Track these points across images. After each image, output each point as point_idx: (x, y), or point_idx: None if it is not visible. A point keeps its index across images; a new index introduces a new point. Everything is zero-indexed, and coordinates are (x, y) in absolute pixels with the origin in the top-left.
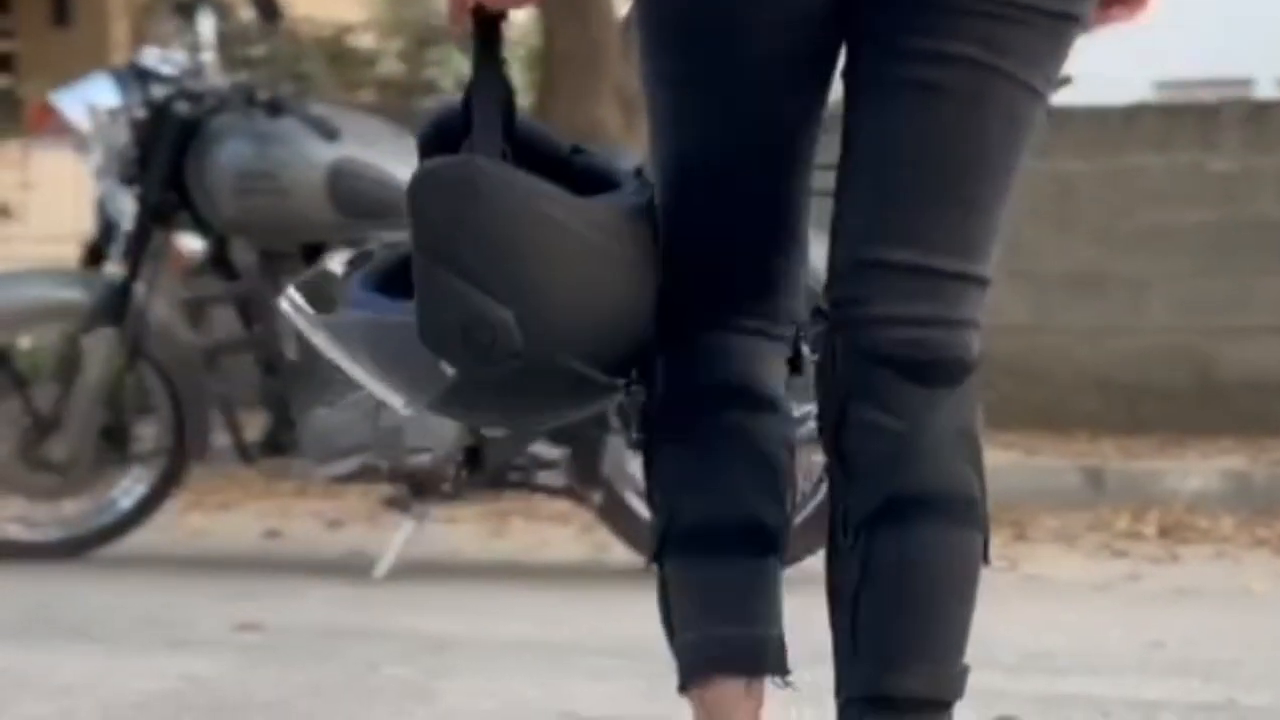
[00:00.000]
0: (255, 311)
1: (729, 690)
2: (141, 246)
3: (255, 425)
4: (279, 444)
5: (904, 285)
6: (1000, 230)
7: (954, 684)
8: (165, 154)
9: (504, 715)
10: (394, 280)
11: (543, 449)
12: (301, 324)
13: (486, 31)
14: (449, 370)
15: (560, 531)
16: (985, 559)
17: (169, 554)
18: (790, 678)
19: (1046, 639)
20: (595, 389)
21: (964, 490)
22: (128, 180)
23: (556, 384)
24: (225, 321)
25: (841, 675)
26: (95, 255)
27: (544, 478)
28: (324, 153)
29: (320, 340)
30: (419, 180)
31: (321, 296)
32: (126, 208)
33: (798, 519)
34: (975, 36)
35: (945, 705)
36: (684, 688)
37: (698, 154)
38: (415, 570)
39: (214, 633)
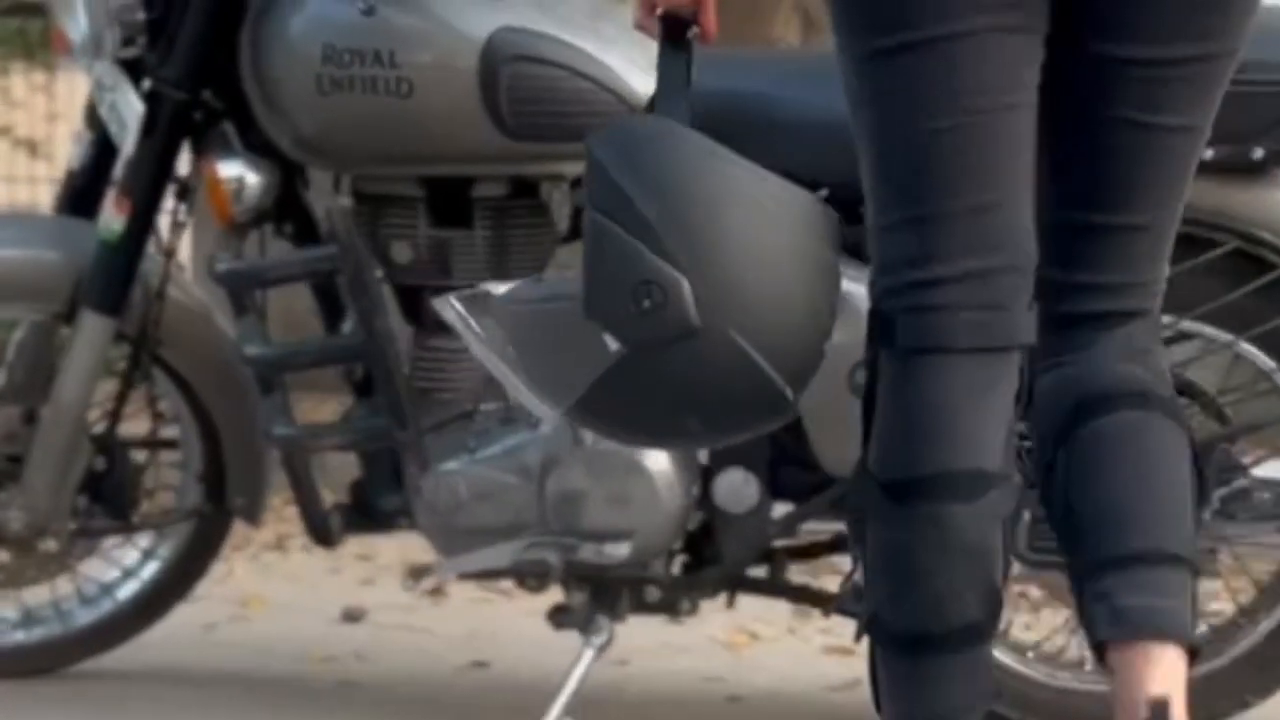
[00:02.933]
0: (347, 296)
1: None
2: (156, 180)
3: (340, 480)
4: (378, 511)
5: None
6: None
7: (1193, 545)
8: (198, 15)
9: None
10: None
11: (817, 524)
12: (459, 326)
13: (675, 35)
14: (612, 345)
15: (803, 636)
16: (1198, 471)
17: (190, 668)
18: None
19: None
20: (766, 397)
21: (1152, 386)
22: (131, 65)
23: (727, 377)
24: (293, 310)
25: (1074, 568)
26: (82, 194)
27: (802, 575)
28: (478, 20)
29: (478, 344)
30: (596, 133)
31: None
32: (131, 113)
33: (1226, 659)
34: (1132, 100)
35: (1188, 563)
36: None
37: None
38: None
39: None
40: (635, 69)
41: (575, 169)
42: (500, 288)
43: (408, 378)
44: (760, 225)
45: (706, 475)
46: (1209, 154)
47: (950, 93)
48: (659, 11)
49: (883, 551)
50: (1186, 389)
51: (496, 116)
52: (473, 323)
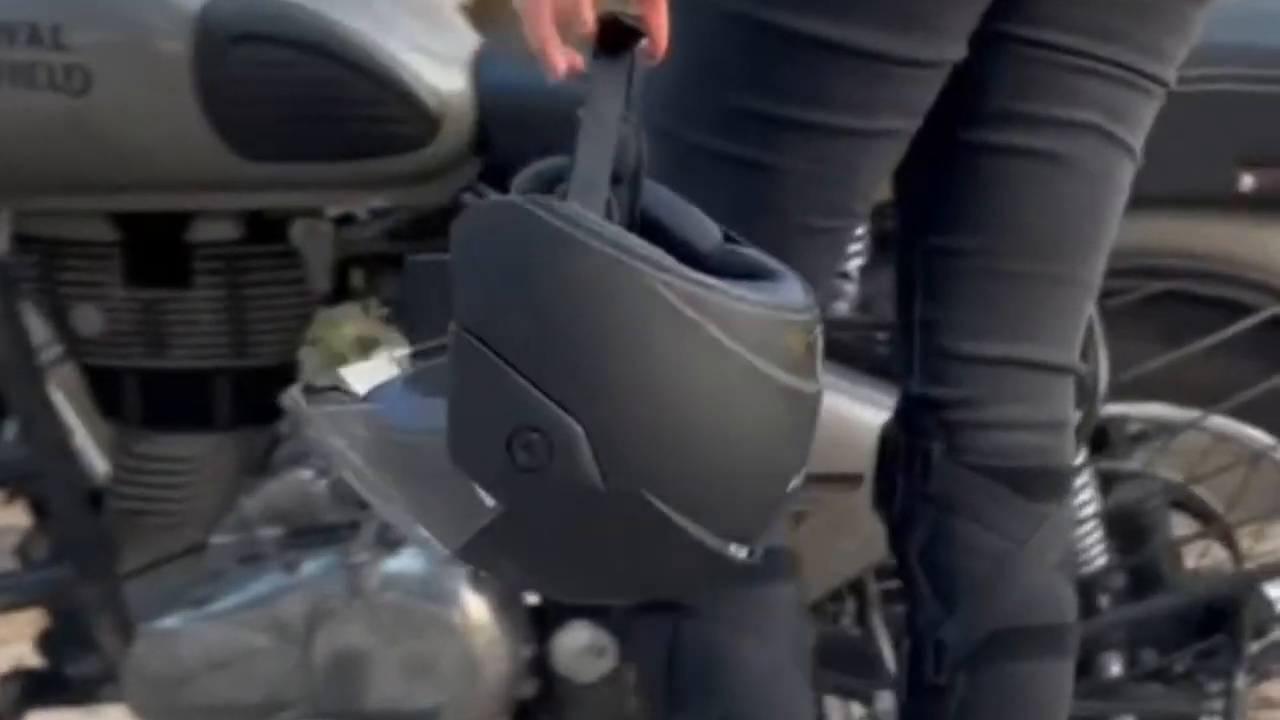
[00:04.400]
0: (5, 384)
1: None
2: None
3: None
4: (72, 680)
5: (1012, 385)
6: None
7: None
8: None
9: None
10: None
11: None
12: (313, 428)
13: (614, 43)
14: (486, 501)
15: None
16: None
17: None
18: None
19: None
20: (702, 562)
21: (1068, 617)
22: None
23: (641, 537)
24: None
25: None
26: None
27: None
28: None
29: (341, 451)
30: (467, 223)
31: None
32: None
33: None
34: (1099, 102)
35: None
36: None
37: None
38: None
39: None
40: (426, 59)
41: (340, 202)
42: (359, 382)
43: (106, 495)
44: (688, 350)
45: (543, 628)
46: (1247, 182)
47: (848, 193)
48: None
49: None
50: (1192, 508)
51: (221, 123)
52: (328, 432)
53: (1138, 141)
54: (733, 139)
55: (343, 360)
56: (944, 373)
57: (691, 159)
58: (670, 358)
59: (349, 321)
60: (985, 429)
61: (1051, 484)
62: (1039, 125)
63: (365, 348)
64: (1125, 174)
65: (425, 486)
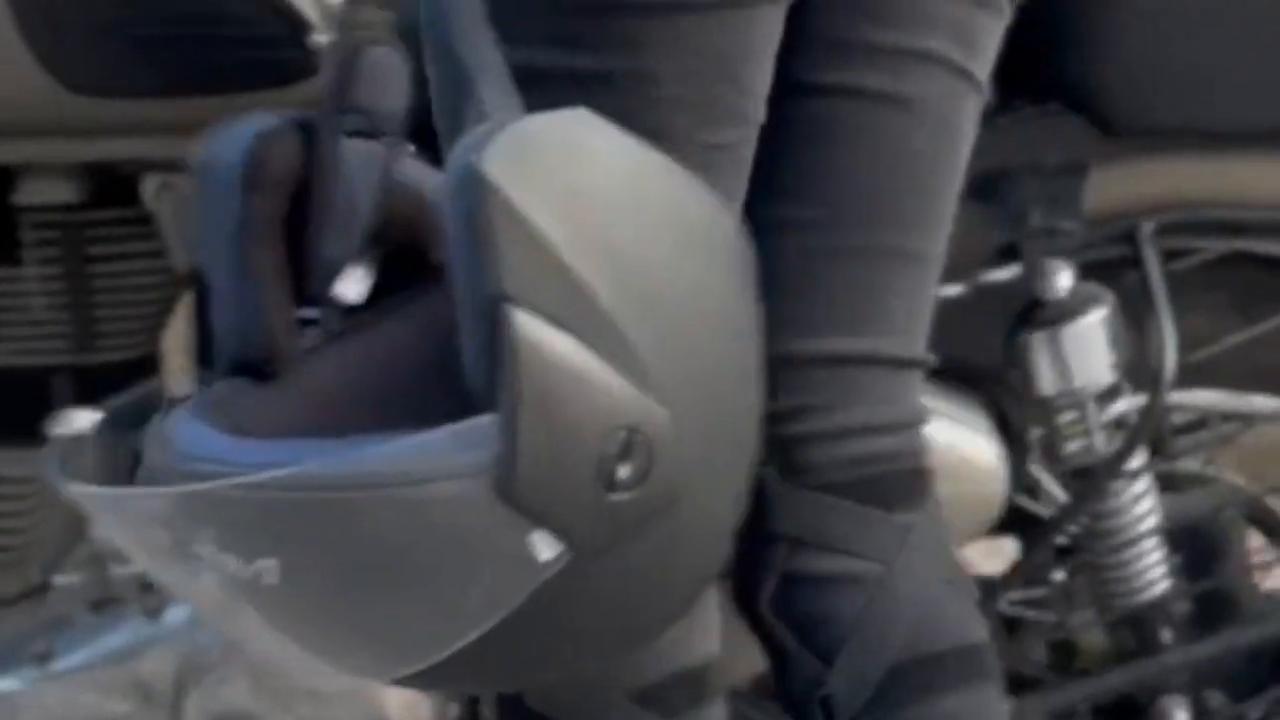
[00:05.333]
0: None
1: None
2: None
3: None
4: None
5: (853, 386)
6: None
7: None
8: None
9: None
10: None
11: None
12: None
13: None
14: (543, 553)
15: None
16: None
17: None
18: None
19: None
20: (720, 557)
21: (975, 636)
22: None
23: (698, 551)
24: None
25: None
26: None
27: None
28: None
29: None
30: (471, 136)
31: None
32: None
33: None
34: (953, 31)
35: None
36: None
37: None
38: None
39: None
40: None
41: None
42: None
43: None
44: (728, 283)
45: None
46: None
47: (735, 90)
48: None
49: None
50: (1260, 521)
51: (44, 49)
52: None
53: (985, 76)
54: (577, 49)
55: None
56: (772, 381)
57: (532, 89)
58: (721, 299)
59: None
60: (826, 441)
61: (908, 490)
62: (884, 59)
63: None
64: (974, 119)
65: (355, 580)
